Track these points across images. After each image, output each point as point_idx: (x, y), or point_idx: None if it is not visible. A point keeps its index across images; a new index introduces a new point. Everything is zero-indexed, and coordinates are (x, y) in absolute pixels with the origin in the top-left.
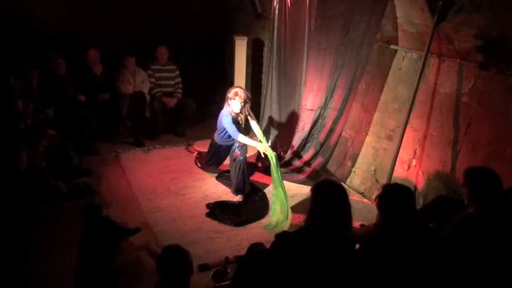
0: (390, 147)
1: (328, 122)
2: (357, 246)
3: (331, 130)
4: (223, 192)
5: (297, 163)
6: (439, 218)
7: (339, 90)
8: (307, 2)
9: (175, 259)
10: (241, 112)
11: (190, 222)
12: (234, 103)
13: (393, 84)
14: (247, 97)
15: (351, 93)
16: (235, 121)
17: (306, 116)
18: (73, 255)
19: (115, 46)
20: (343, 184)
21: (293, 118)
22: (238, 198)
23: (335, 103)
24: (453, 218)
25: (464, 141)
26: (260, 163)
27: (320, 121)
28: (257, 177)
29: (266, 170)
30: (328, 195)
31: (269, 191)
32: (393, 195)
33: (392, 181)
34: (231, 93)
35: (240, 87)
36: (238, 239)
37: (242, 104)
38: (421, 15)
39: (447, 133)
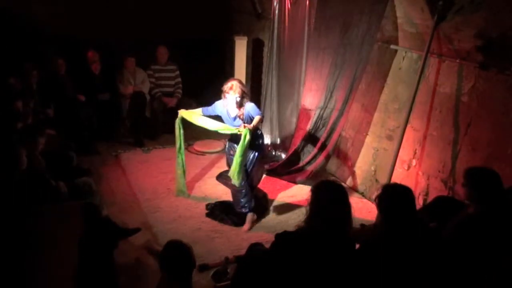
0: (390, 147)
1: (328, 122)
2: (357, 246)
3: (331, 130)
4: (223, 192)
5: (297, 163)
6: (439, 218)
7: (340, 90)
8: (307, 2)
9: (177, 254)
10: (238, 107)
11: (190, 222)
12: (229, 97)
13: (393, 84)
14: (244, 91)
15: (351, 93)
16: (223, 111)
17: (306, 116)
18: (73, 255)
19: (115, 46)
20: (343, 184)
21: (293, 118)
22: None
23: (336, 103)
24: (453, 218)
25: (464, 141)
26: None
27: (320, 121)
28: None
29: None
30: (328, 195)
31: (269, 191)
32: (393, 195)
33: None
34: (225, 86)
35: (238, 80)
36: (238, 239)
37: (238, 99)
38: (421, 15)
39: (447, 133)
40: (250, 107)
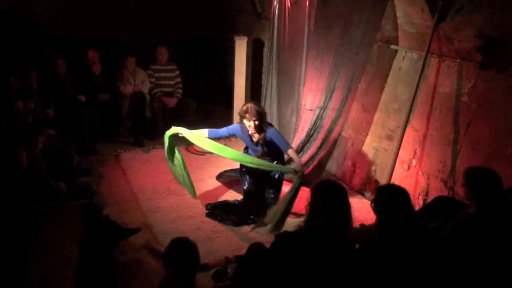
0: (390, 147)
1: (327, 122)
2: (357, 246)
3: (330, 130)
4: (223, 192)
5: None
6: (439, 218)
7: (338, 90)
8: (307, 2)
9: (183, 251)
10: (257, 132)
11: (190, 222)
12: (246, 122)
13: (393, 84)
14: (261, 114)
15: (350, 93)
16: (241, 136)
17: (306, 116)
18: (73, 255)
19: (115, 46)
20: (343, 184)
21: (293, 118)
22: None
23: (334, 103)
24: (453, 218)
25: (464, 141)
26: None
27: (319, 121)
28: None
29: None
30: (328, 195)
31: None
32: (388, 196)
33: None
34: (242, 111)
35: (253, 102)
36: (238, 239)
37: (257, 122)
38: (421, 15)
39: (447, 133)
40: (272, 133)
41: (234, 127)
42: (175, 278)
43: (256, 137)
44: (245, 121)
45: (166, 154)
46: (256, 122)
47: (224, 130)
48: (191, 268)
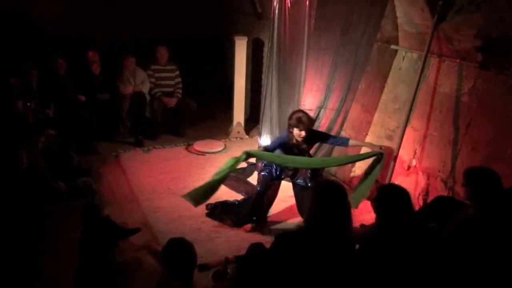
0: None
1: (324, 122)
2: (357, 246)
3: (329, 130)
4: (223, 192)
5: None
6: (439, 218)
7: (337, 90)
8: (307, 2)
9: (180, 250)
10: (305, 140)
11: (190, 222)
12: (296, 131)
13: (393, 84)
14: (312, 122)
15: (349, 93)
16: (287, 145)
17: None
18: (73, 255)
19: (115, 46)
20: (342, 184)
21: None
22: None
23: (333, 103)
24: (453, 218)
25: (464, 141)
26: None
27: (319, 121)
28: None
29: None
30: (328, 196)
31: None
32: (388, 197)
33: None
34: (293, 120)
35: (303, 112)
36: (238, 239)
37: (306, 131)
38: (421, 15)
39: (447, 133)
40: (327, 139)
41: (281, 136)
42: (173, 277)
43: (302, 144)
44: (295, 130)
45: (223, 173)
46: (308, 132)
47: (275, 141)
48: (188, 267)
